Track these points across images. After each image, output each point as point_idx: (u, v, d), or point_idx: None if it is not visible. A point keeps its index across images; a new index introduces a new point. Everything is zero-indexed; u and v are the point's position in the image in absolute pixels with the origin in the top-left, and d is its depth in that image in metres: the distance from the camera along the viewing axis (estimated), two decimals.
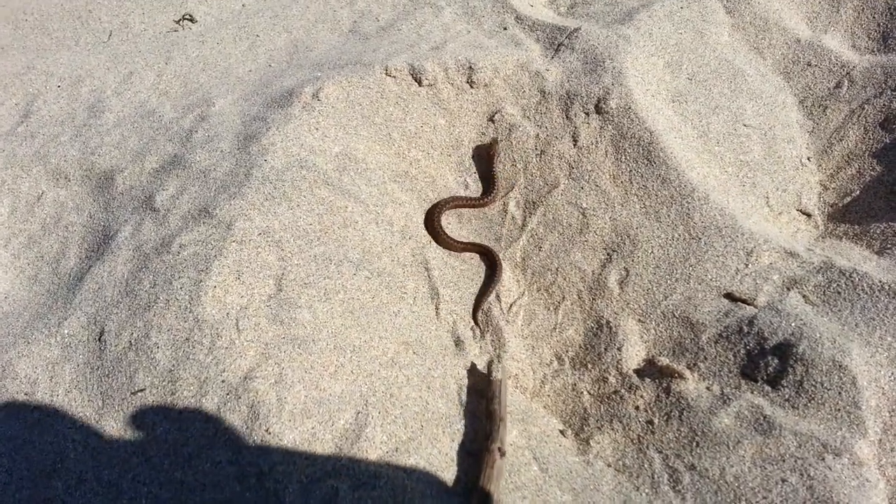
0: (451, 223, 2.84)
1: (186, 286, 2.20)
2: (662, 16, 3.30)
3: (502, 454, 2.05)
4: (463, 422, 2.14)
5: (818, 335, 2.08)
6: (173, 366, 2.03)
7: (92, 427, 2.02)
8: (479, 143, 3.05)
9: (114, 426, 2.00)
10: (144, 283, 2.27)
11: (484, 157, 3.02)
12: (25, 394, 2.14)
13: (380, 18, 3.83)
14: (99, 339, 2.19)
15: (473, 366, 2.38)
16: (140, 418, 1.98)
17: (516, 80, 3.10)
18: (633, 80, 2.96)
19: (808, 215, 2.79)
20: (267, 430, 1.86)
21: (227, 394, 1.94)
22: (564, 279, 2.63)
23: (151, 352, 2.07)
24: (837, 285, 2.27)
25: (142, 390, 2.02)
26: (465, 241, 2.78)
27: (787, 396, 2.03)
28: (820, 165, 2.95)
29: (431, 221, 2.77)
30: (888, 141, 2.86)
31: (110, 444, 1.97)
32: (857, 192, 2.79)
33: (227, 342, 2.03)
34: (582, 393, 2.33)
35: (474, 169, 3.01)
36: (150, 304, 2.19)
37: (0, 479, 1.99)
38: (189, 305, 2.14)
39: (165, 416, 1.96)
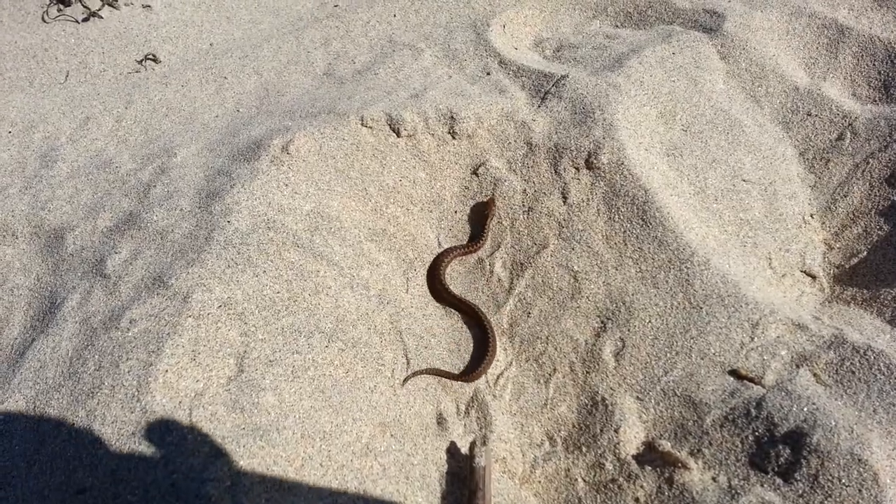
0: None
1: (135, 370, 1.97)
2: (654, 62, 3.15)
3: None
4: None
5: (833, 423, 1.90)
6: (117, 465, 1.80)
7: None
8: (477, 202, 2.87)
9: None
10: (89, 364, 2.05)
11: (478, 217, 2.83)
12: None
13: (356, 61, 3.65)
14: (37, 429, 1.96)
15: (454, 446, 2.18)
16: None
17: (501, 131, 2.92)
18: (625, 132, 2.80)
19: (813, 277, 2.62)
20: None
21: (177, 500, 1.71)
22: (555, 349, 2.43)
23: (94, 447, 1.84)
24: (851, 363, 2.09)
25: (83, 491, 1.79)
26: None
27: (800, 492, 1.84)
28: (824, 223, 2.79)
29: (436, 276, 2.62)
30: (895, 198, 2.71)
31: None
32: (865, 252, 2.63)
33: (178, 438, 1.81)
34: (576, 480, 2.13)
35: (468, 229, 2.82)
36: (93, 390, 1.97)
37: None
38: (136, 393, 1.91)
39: None
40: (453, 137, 2.91)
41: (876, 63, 3.20)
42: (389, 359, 2.34)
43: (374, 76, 3.42)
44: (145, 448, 1.81)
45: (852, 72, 3.24)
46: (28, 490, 1.86)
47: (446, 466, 2.11)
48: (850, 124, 2.97)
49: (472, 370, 2.46)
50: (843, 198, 2.81)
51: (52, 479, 1.85)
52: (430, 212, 2.83)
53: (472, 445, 2.12)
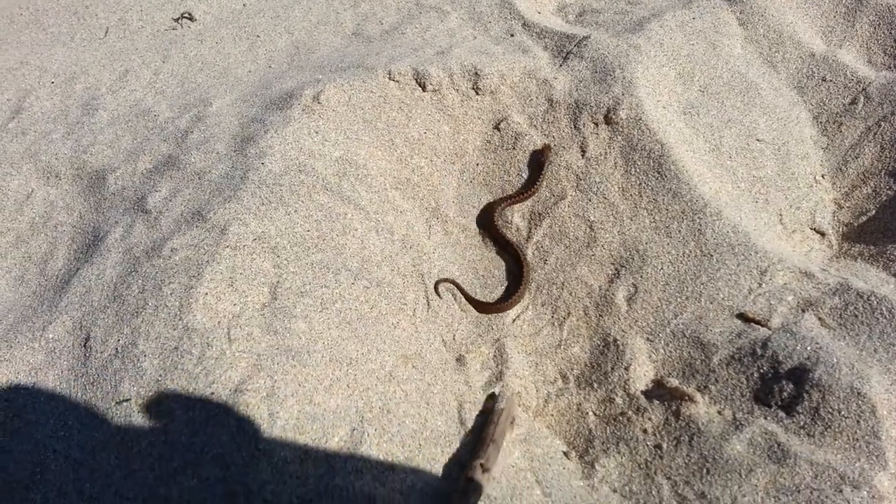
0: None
1: (177, 292, 2.10)
2: (674, 26, 3.23)
3: (485, 470, 1.95)
4: (463, 442, 2.05)
5: (835, 360, 1.99)
6: (160, 376, 1.93)
7: (74, 437, 1.93)
8: (534, 149, 2.93)
9: (97, 437, 1.90)
10: (133, 287, 2.18)
11: (535, 164, 2.89)
12: (6, 401, 2.04)
13: (384, 22, 3.75)
14: (84, 346, 2.10)
15: (492, 395, 2.28)
16: (124, 430, 1.89)
17: (523, 88, 3.02)
18: (644, 90, 2.88)
19: (823, 234, 2.70)
20: (257, 447, 1.76)
21: (216, 407, 1.84)
22: (570, 294, 2.54)
23: (138, 360, 1.98)
24: (855, 308, 2.18)
25: (127, 400, 1.93)
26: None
27: (802, 424, 1.94)
28: (834, 183, 2.87)
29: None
30: None
31: (93, 456, 1.88)
32: (873, 211, 2.71)
33: (218, 352, 1.94)
34: (587, 413, 2.24)
35: (489, 181, 2.91)
36: (138, 310, 2.10)
37: None
38: (179, 313, 2.05)
39: (151, 428, 1.87)
40: (477, 93, 3.00)
41: (892, 31, 3.25)
42: (411, 299, 2.45)
43: (402, 36, 3.52)
44: (187, 360, 1.94)
45: (868, 39, 3.30)
46: (75, 401, 1.99)
47: (465, 397, 2.22)
48: (863, 89, 3.04)
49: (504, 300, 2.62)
50: (854, 159, 2.89)
51: (97, 391, 1.98)
52: (453, 164, 2.93)
53: (493, 393, 2.23)
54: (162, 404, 1.89)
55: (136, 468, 1.82)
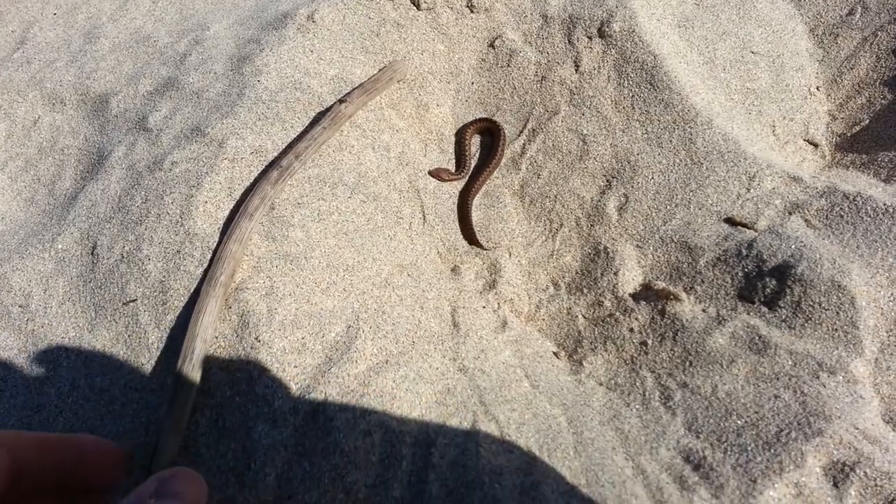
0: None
1: (178, 201, 2.18)
2: None
3: (341, 101, 2.44)
4: (455, 341, 2.13)
5: (818, 256, 2.04)
6: (164, 277, 2.02)
7: (85, 337, 2.03)
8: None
9: (106, 336, 2.00)
10: (136, 199, 2.26)
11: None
12: (20, 306, 2.15)
13: None
14: (92, 253, 2.19)
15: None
16: (131, 327, 1.98)
17: (518, 5, 3.01)
18: (638, 3, 2.87)
19: (815, 145, 2.72)
20: (257, 338, 1.85)
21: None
22: (563, 206, 2.59)
23: (143, 263, 2.07)
24: (840, 209, 2.22)
25: (133, 300, 2.02)
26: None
27: (783, 317, 2.00)
28: (829, 95, 2.87)
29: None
30: None
31: (102, 353, 1.98)
32: (867, 121, 2.71)
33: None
34: (577, 316, 2.31)
35: (483, 100, 2.93)
36: (141, 218, 2.18)
37: None
38: (180, 219, 2.12)
39: (157, 324, 1.96)
40: (471, 11, 3.00)
41: None
42: (407, 213, 2.51)
43: None
44: (189, 262, 2.03)
45: None
46: (86, 303, 2.09)
47: (458, 303, 2.30)
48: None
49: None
50: (849, 70, 2.88)
51: (105, 294, 2.07)
52: (448, 83, 2.95)
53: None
54: (167, 303, 1.98)
55: (143, 362, 1.93)
